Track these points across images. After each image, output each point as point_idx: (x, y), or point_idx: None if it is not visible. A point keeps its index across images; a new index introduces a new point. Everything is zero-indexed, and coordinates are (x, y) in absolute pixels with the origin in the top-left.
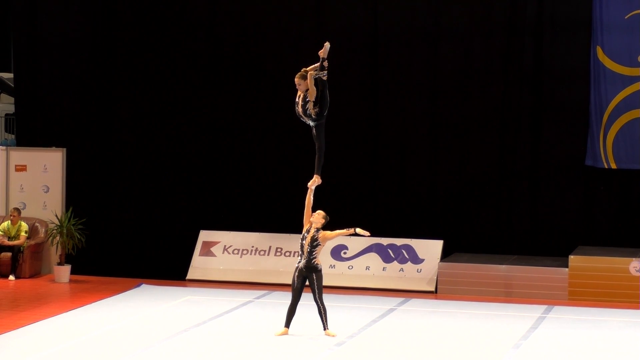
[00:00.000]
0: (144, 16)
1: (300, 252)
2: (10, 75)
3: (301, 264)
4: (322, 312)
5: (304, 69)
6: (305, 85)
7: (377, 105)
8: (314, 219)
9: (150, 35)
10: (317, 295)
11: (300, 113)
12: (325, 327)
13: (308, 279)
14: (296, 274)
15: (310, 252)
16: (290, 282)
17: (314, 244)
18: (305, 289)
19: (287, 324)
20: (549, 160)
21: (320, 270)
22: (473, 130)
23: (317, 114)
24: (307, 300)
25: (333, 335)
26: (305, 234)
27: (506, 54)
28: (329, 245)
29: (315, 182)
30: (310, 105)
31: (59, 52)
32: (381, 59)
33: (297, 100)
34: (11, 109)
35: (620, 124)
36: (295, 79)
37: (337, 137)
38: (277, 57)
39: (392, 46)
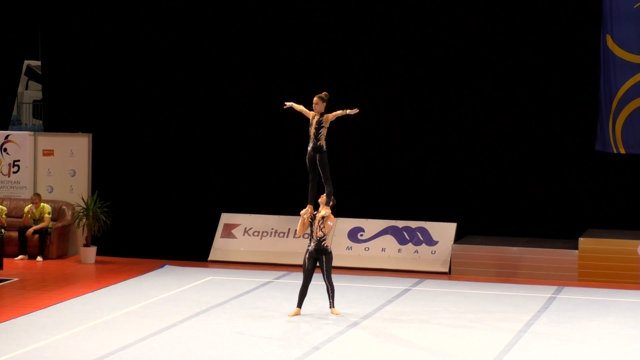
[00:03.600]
0: (169, 2)
1: (310, 236)
2: (38, 63)
3: (311, 247)
4: (330, 291)
5: (326, 94)
6: (321, 108)
7: (393, 88)
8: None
9: (176, 19)
10: (325, 276)
11: (311, 135)
12: (331, 305)
13: (318, 261)
14: (307, 255)
15: (319, 236)
16: None
17: (322, 226)
18: (316, 270)
19: (300, 304)
20: (560, 144)
21: (330, 253)
22: (486, 115)
23: (321, 147)
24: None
25: (337, 314)
26: (312, 219)
27: (520, 40)
28: (345, 227)
29: (307, 211)
30: (323, 132)
31: (85, 39)
32: (396, 36)
33: (311, 121)
34: (39, 95)
35: (629, 110)
36: (315, 98)
37: (353, 121)
38: (298, 40)
39: (407, 24)
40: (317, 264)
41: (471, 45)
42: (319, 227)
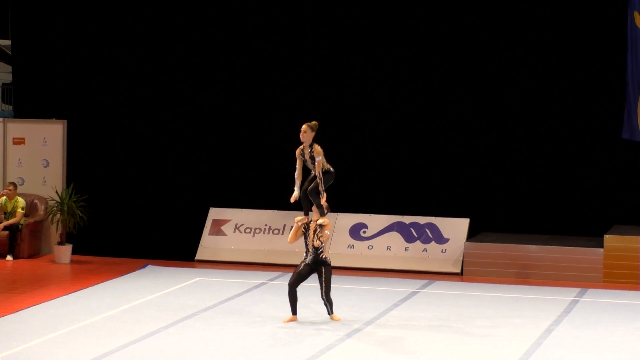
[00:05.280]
0: None
1: (306, 249)
2: (8, 42)
3: (309, 260)
4: (328, 303)
5: (316, 123)
6: (308, 138)
7: (399, 78)
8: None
9: (157, 1)
10: (324, 292)
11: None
12: (330, 312)
13: (317, 272)
14: (303, 264)
15: (316, 247)
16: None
17: (319, 235)
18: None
19: (294, 311)
20: (583, 133)
21: (329, 264)
22: (502, 103)
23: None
24: (310, 282)
25: (338, 319)
26: (307, 230)
27: (537, 23)
28: (347, 224)
29: (303, 220)
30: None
31: (59, 17)
32: (402, 27)
33: (301, 150)
34: (9, 78)
35: None
36: (304, 126)
37: (357, 109)
38: (291, 37)
39: (413, 17)
40: (314, 274)
41: (489, 30)
42: (317, 236)
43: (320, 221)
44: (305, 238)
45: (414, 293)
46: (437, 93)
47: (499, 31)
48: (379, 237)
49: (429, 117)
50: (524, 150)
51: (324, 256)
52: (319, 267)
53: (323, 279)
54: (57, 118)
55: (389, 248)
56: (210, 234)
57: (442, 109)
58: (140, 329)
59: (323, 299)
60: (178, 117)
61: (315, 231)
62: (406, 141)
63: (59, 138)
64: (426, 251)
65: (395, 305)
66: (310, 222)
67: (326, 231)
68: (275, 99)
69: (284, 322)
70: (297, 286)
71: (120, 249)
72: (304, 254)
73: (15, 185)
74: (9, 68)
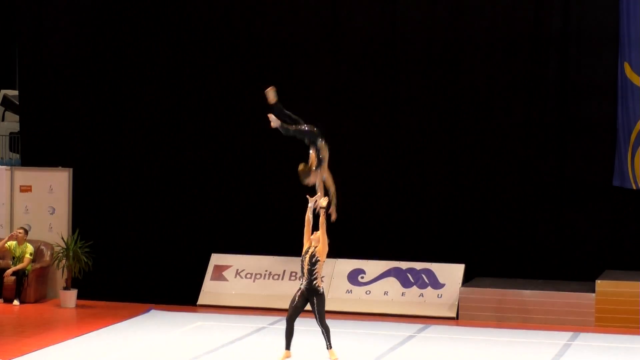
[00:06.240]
0: (151, 33)
1: (301, 273)
2: (15, 93)
3: (303, 286)
4: (325, 332)
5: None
6: (313, 179)
7: (395, 123)
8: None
9: (159, 53)
10: (318, 320)
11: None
12: (328, 347)
13: (309, 302)
14: (298, 293)
15: (310, 272)
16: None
17: (313, 260)
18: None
19: (288, 346)
20: (575, 180)
21: (322, 294)
22: (495, 149)
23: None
24: (311, 326)
25: (335, 359)
26: (304, 254)
27: (530, 70)
28: (345, 269)
29: (318, 200)
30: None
31: (65, 69)
32: (399, 75)
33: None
34: (16, 127)
35: None
36: (301, 168)
37: (354, 156)
38: (291, 72)
39: (411, 62)
40: (308, 305)
41: (479, 75)
42: (310, 262)
43: (322, 203)
44: (301, 262)
45: (410, 337)
46: (432, 141)
47: (492, 76)
48: (377, 283)
49: (424, 166)
50: (518, 197)
51: (317, 284)
52: (312, 297)
53: (316, 309)
54: (63, 166)
55: (386, 293)
56: (212, 279)
57: (438, 156)
58: None
59: (319, 325)
60: (181, 165)
61: (312, 256)
62: (403, 189)
63: (65, 186)
64: (422, 296)
65: (392, 348)
66: (309, 247)
67: (320, 259)
68: (276, 144)
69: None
70: (294, 320)
71: (125, 293)
72: (300, 279)
73: (26, 230)
74: (17, 118)
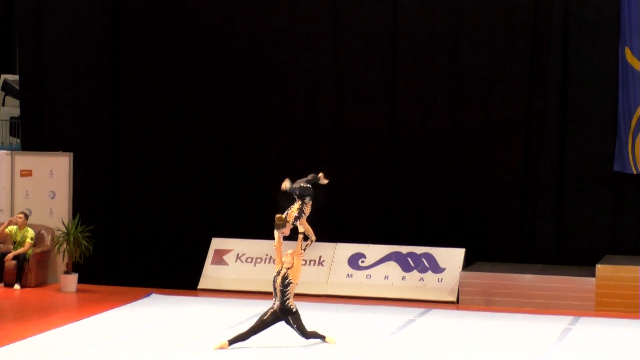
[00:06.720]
0: (153, 18)
1: (274, 293)
2: (16, 77)
3: (276, 306)
4: (314, 336)
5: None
6: (286, 229)
7: (397, 111)
8: (286, 259)
9: (160, 37)
10: (301, 335)
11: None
12: (323, 339)
13: (286, 322)
14: (270, 310)
15: (283, 293)
16: (304, 290)
17: (285, 282)
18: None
19: (232, 343)
20: (576, 166)
21: (296, 312)
22: (496, 135)
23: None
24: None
25: (333, 342)
26: (277, 275)
27: (531, 58)
28: (345, 254)
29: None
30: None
31: (65, 53)
32: (401, 65)
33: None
34: (16, 112)
35: None
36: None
37: (356, 143)
38: (293, 62)
39: (412, 52)
40: (282, 322)
41: (480, 64)
42: (282, 283)
43: (287, 264)
44: (273, 283)
45: (410, 321)
46: (433, 126)
47: (493, 66)
48: (377, 267)
49: (425, 150)
50: (519, 184)
51: (289, 304)
52: (286, 317)
53: (295, 326)
54: (63, 151)
55: (386, 277)
56: (213, 263)
57: (439, 141)
58: (145, 356)
59: (305, 338)
60: (181, 152)
61: (284, 277)
62: (404, 175)
63: (65, 170)
64: (423, 280)
65: (393, 332)
66: (280, 268)
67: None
68: (277, 131)
69: (214, 348)
70: (256, 334)
71: (125, 278)
72: (273, 299)
73: (26, 215)
74: (17, 102)
